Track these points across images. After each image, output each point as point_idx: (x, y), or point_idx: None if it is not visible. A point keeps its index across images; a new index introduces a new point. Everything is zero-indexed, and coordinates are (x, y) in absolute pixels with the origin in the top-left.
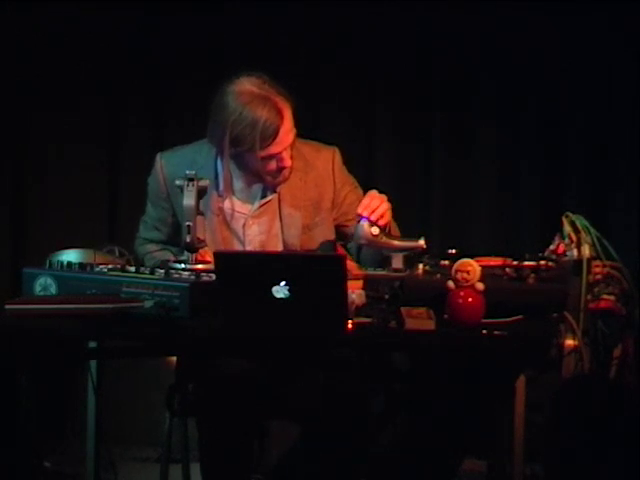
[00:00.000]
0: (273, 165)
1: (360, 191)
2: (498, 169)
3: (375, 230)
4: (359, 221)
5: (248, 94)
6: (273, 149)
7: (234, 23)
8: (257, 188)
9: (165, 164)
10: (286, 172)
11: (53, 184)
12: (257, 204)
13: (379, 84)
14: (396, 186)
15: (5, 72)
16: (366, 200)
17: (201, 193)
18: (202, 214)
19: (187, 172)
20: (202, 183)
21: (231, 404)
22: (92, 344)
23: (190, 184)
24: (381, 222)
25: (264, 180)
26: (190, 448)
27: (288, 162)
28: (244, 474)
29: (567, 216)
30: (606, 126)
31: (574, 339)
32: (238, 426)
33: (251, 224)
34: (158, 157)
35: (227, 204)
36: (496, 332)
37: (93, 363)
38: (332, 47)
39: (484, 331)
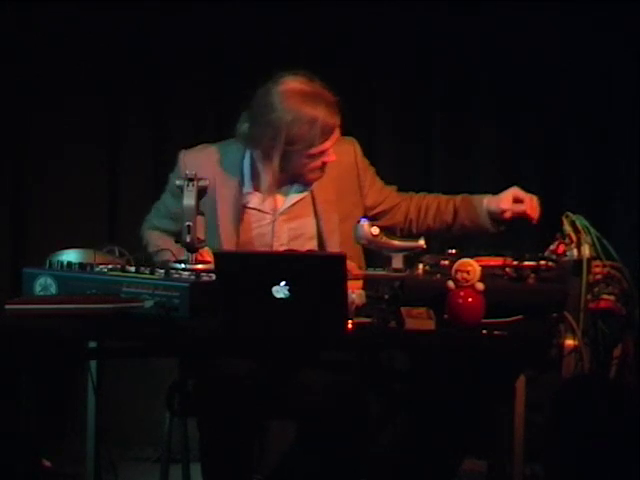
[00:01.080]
0: (319, 161)
1: (379, 179)
2: (498, 169)
3: (375, 230)
4: (359, 221)
5: (300, 93)
6: (327, 145)
7: (234, 23)
8: (285, 187)
9: (189, 160)
10: (325, 167)
11: (53, 184)
12: (288, 203)
13: (379, 84)
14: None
15: (5, 72)
16: (529, 202)
17: (201, 193)
18: (202, 214)
19: (187, 172)
20: (202, 183)
21: (231, 404)
22: (92, 344)
23: (190, 184)
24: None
25: (304, 177)
26: (190, 448)
27: (333, 157)
28: (244, 474)
29: (567, 216)
30: (606, 126)
31: (574, 339)
32: (238, 426)
33: (281, 223)
34: (181, 155)
35: (254, 204)
36: (496, 332)
37: (93, 363)
38: (332, 47)
39: (484, 331)
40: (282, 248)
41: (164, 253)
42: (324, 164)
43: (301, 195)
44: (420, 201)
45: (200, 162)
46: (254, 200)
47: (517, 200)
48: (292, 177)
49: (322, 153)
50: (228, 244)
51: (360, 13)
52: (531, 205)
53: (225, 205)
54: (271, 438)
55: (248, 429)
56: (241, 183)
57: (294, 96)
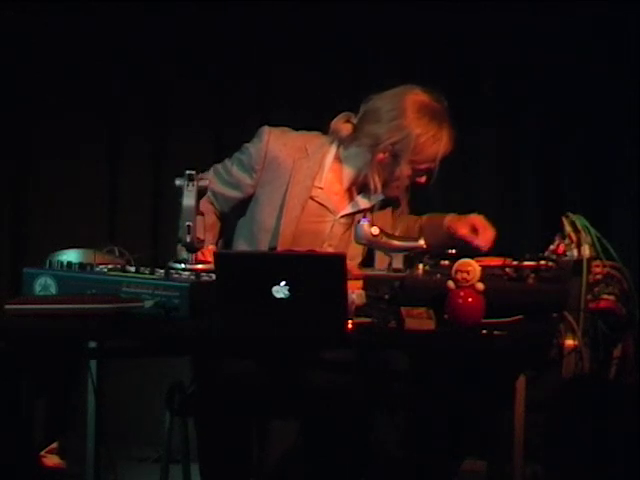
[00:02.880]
0: (410, 179)
1: None
2: (498, 169)
3: (375, 230)
4: (359, 221)
5: (432, 109)
6: (432, 165)
7: (234, 23)
8: (355, 193)
9: (273, 139)
10: (408, 188)
11: (53, 184)
12: (352, 209)
13: (379, 84)
14: None
15: (5, 72)
16: (482, 235)
17: (201, 193)
18: (202, 214)
19: (187, 171)
20: (202, 183)
21: (230, 405)
22: (92, 344)
23: (190, 184)
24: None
25: (388, 189)
26: (190, 448)
27: (424, 179)
28: (243, 475)
29: (567, 216)
30: (606, 126)
31: (574, 339)
32: (237, 427)
33: (339, 226)
34: (267, 130)
35: (321, 199)
36: (496, 332)
37: (93, 363)
38: (332, 47)
39: (484, 331)
40: (330, 249)
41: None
42: (412, 184)
43: (365, 206)
44: (398, 223)
45: (284, 141)
46: (322, 196)
47: (474, 229)
48: (367, 184)
49: (422, 171)
50: (287, 229)
51: (360, 13)
52: (484, 238)
53: (295, 191)
54: (271, 438)
55: (247, 430)
56: (316, 175)
57: (425, 108)
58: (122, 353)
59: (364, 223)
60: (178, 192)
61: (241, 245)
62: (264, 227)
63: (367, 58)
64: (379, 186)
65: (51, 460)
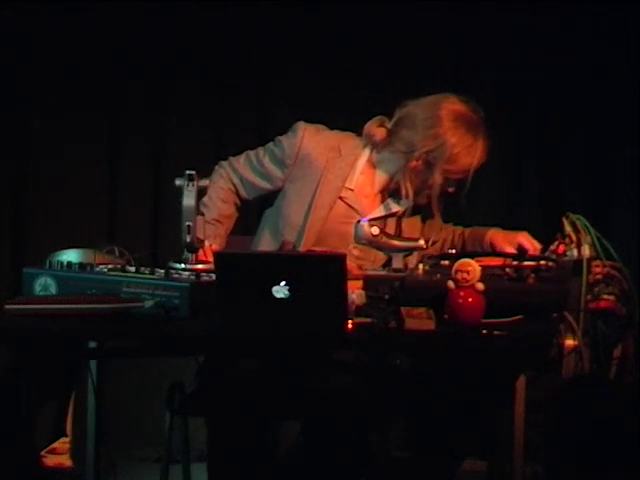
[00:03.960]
0: (442, 188)
1: None
2: (498, 169)
3: (375, 230)
4: (359, 221)
5: (468, 119)
6: (463, 176)
7: (234, 23)
8: (386, 197)
9: (308, 136)
10: (439, 197)
11: (53, 184)
12: (380, 213)
13: (379, 84)
14: None
15: (5, 72)
16: (529, 245)
17: (201, 193)
18: (202, 214)
19: (187, 171)
20: (202, 183)
21: (234, 404)
22: (92, 344)
23: (190, 184)
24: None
25: (419, 197)
26: (190, 448)
27: (453, 190)
28: (254, 476)
29: (567, 216)
30: (606, 126)
31: (574, 339)
32: (247, 427)
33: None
34: (302, 126)
35: (350, 201)
36: (496, 332)
37: (93, 363)
38: (332, 47)
39: (484, 331)
40: (356, 252)
41: (209, 211)
42: (441, 194)
43: (396, 210)
44: (441, 234)
45: (319, 139)
46: (351, 197)
47: (520, 246)
48: (398, 189)
49: (454, 181)
50: (313, 227)
51: (360, 13)
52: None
53: (325, 190)
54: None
55: (257, 430)
56: (347, 177)
57: (462, 118)
58: (122, 353)
59: (364, 223)
60: (178, 192)
61: (266, 236)
62: (290, 223)
63: (367, 58)
64: (411, 193)
65: (52, 460)
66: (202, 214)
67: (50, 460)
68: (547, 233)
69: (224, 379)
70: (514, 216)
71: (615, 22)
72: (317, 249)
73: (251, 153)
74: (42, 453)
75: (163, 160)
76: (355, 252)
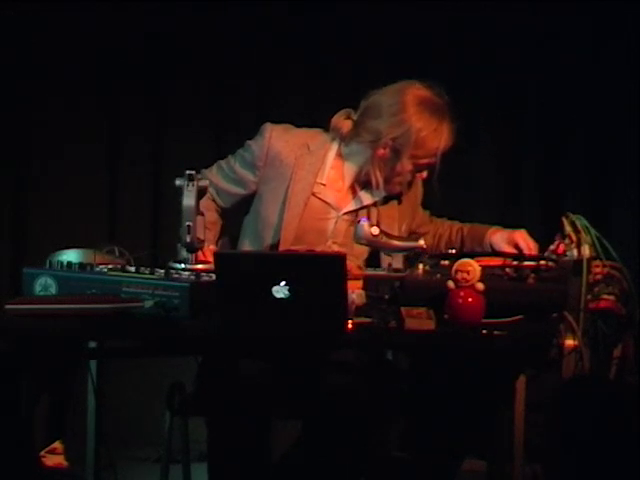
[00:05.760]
0: (412, 174)
1: None
2: (498, 169)
3: (375, 230)
4: (359, 221)
5: (433, 103)
6: (433, 160)
7: (234, 23)
8: (358, 190)
9: (275, 136)
10: (411, 183)
11: (53, 184)
12: (355, 205)
13: (379, 84)
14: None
15: (5, 72)
16: (523, 244)
17: (201, 193)
18: (202, 214)
19: (187, 171)
20: (202, 183)
21: (235, 404)
22: (92, 344)
23: (190, 184)
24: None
25: (390, 184)
26: (190, 448)
27: (424, 175)
28: (251, 475)
29: (567, 216)
30: (606, 126)
31: (574, 339)
32: (248, 427)
33: (343, 222)
34: (269, 127)
35: (323, 196)
36: (496, 332)
37: (93, 363)
38: (333, 47)
39: (484, 331)
40: (335, 247)
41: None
42: (414, 179)
43: (368, 202)
44: (436, 229)
45: (287, 138)
46: (324, 192)
47: (517, 246)
48: (369, 180)
49: (422, 166)
50: (289, 225)
51: (360, 13)
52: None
53: (298, 187)
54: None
55: (257, 430)
56: (318, 172)
57: (426, 103)
58: (122, 353)
59: (364, 223)
60: (178, 192)
61: (246, 243)
62: (268, 223)
63: (367, 58)
64: (381, 182)
65: (52, 460)
66: (202, 214)
67: (50, 460)
68: (547, 233)
69: (224, 379)
70: (514, 216)
71: (615, 22)
72: (295, 248)
73: (222, 162)
74: (42, 453)
75: (163, 160)
76: (334, 247)
